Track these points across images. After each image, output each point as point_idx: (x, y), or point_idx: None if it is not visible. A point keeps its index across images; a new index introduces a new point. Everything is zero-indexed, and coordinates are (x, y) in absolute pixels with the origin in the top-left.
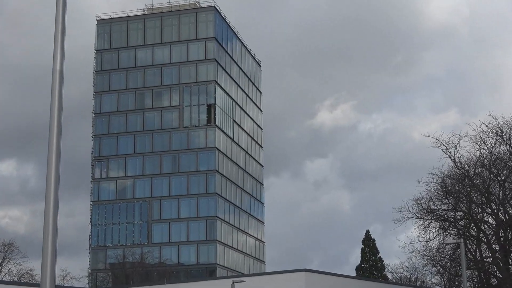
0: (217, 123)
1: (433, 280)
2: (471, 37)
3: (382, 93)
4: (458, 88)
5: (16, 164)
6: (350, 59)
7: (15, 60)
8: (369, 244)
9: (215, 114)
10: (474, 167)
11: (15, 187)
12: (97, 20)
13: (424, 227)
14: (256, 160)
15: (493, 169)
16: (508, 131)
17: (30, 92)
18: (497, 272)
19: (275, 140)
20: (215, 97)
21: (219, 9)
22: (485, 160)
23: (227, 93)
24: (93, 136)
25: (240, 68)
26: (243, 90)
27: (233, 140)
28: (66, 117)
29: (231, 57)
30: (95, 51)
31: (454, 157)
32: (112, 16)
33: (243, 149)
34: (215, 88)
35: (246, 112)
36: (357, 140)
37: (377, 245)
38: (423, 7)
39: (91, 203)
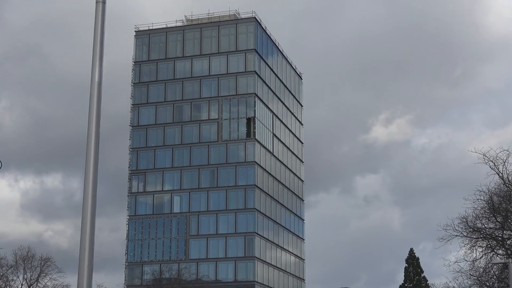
0: (256, 136)
1: None
2: None
3: (438, 107)
4: None
5: (62, 178)
6: (406, 71)
7: (62, 72)
8: (413, 263)
9: (254, 128)
10: None
11: (60, 200)
12: (135, 31)
13: (471, 246)
14: (296, 175)
15: None
16: None
17: (77, 104)
18: None
19: (320, 155)
20: (254, 110)
21: (259, 20)
22: None
23: (267, 106)
24: (131, 149)
25: (281, 81)
26: (283, 103)
27: (273, 155)
28: (104, 130)
29: (272, 69)
30: (133, 63)
31: (502, 173)
32: (150, 27)
33: (283, 164)
34: (255, 101)
35: (286, 126)
36: (410, 155)
37: (424, 264)
38: (482, 18)
39: (128, 217)
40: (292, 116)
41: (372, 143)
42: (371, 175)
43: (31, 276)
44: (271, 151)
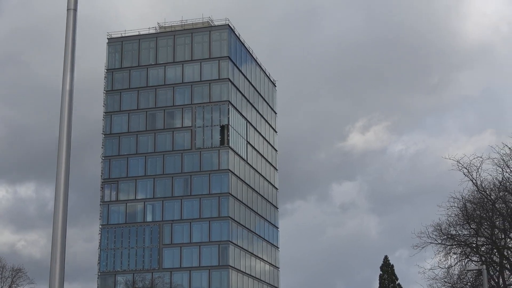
0: (230, 144)
1: None
2: (510, 54)
3: (415, 114)
4: (494, 109)
5: (35, 187)
6: (383, 79)
7: (36, 80)
8: (387, 270)
9: (228, 135)
10: (497, 191)
11: (34, 210)
12: (108, 38)
13: (445, 253)
14: (270, 183)
15: None
16: None
17: (51, 113)
18: None
19: (296, 163)
20: (228, 117)
21: (233, 28)
22: (508, 183)
23: (241, 114)
24: (103, 158)
25: (255, 88)
26: (257, 111)
27: (247, 162)
28: (76, 138)
29: (245, 77)
30: (105, 71)
31: (475, 180)
32: (123, 35)
33: (257, 172)
34: (228, 109)
35: (260, 133)
36: (387, 162)
37: (400, 272)
38: (460, 26)
39: (100, 226)
40: (266, 124)
41: (349, 150)
42: (348, 183)
43: (1, 287)
44: (245, 159)
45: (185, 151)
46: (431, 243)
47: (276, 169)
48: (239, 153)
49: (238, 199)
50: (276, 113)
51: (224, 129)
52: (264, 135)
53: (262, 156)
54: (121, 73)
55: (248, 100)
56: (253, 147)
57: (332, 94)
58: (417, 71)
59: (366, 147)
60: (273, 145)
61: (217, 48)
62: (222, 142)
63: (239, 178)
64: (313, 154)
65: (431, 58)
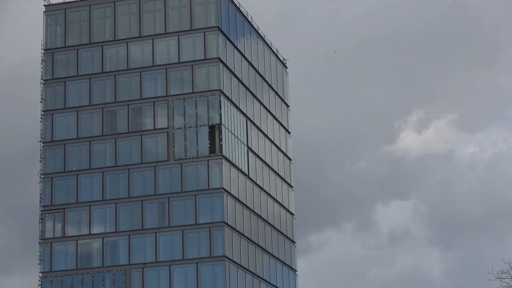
0: (224, 152)
1: None
2: None
3: (493, 102)
4: None
5: None
6: (447, 53)
7: None
8: None
9: (221, 140)
10: None
11: None
12: (45, 5)
13: None
14: (283, 206)
15: None
16: None
17: None
18: None
19: (321, 176)
20: (220, 114)
21: None
22: None
23: (238, 108)
24: (42, 176)
25: (257, 72)
26: (261, 104)
27: (249, 177)
28: (5, 152)
29: (243, 56)
30: (43, 52)
31: None
32: (67, 0)
33: (264, 191)
34: (220, 101)
35: (266, 136)
36: (454, 172)
37: None
38: None
39: (41, 275)
40: (275, 122)
41: (399, 156)
42: (399, 203)
43: None
44: (246, 172)
45: (160, 164)
46: None
47: (291, 186)
48: (236, 164)
49: (237, 231)
50: (288, 107)
51: (214, 130)
52: (272, 138)
53: (270, 168)
54: (65, 54)
55: (248, 89)
56: (257, 156)
57: (371, 76)
58: (496, 46)
59: (423, 150)
60: (285, 152)
61: (201, 15)
62: (212, 149)
63: (238, 200)
64: (346, 163)
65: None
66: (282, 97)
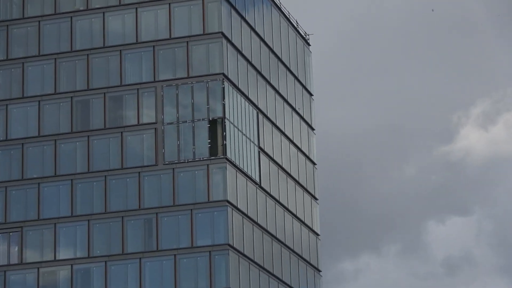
0: (228, 154)
1: None
2: None
3: None
4: None
5: None
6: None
7: None
8: None
9: (224, 138)
10: None
11: None
12: None
13: None
14: (305, 224)
15: None
16: None
17: None
18: None
19: (353, 187)
20: (224, 104)
21: None
22: None
23: (247, 98)
24: None
25: (271, 51)
26: (277, 91)
27: (260, 187)
28: None
29: (253, 30)
30: None
31: None
32: None
33: (280, 204)
34: (223, 89)
35: (283, 133)
36: None
37: None
38: None
39: None
40: (294, 115)
41: (458, 160)
42: (457, 220)
43: None
44: (257, 180)
45: (146, 170)
46: None
47: (316, 199)
48: (244, 170)
49: (244, 256)
50: (311, 95)
51: (216, 126)
52: (291, 136)
53: (288, 174)
54: (23, 27)
55: (259, 72)
56: (271, 159)
57: (421, 58)
58: None
59: (490, 152)
60: (307, 154)
61: None
62: (213, 150)
63: (246, 216)
64: (389, 169)
65: None
66: (304, 83)
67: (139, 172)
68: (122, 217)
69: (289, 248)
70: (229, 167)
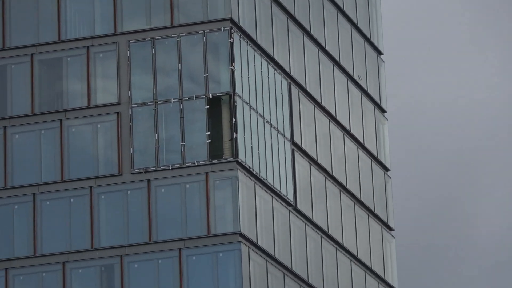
0: (241, 155)
1: None
2: None
3: None
4: None
5: None
6: None
7: None
8: None
9: (235, 128)
10: None
11: None
12: None
13: None
14: (374, 272)
15: None
16: None
17: None
18: None
19: (450, 206)
20: (232, 71)
21: None
22: None
23: (272, 59)
24: None
25: None
26: (323, 49)
27: (296, 209)
28: None
29: None
30: None
31: None
32: None
33: (332, 240)
34: (231, 43)
35: (334, 118)
36: None
37: None
38: None
39: None
40: (354, 89)
41: None
42: None
43: None
44: (290, 198)
45: (102, 183)
46: None
47: (391, 229)
48: (269, 181)
49: None
50: (381, 54)
51: (220, 108)
52: (346, 126)
53: (343, 187)
54: None
55: (292, 17)
56: (314, 162)
57: None
58: None
59: None
60: (376, 154)
61: None
62: (215, 148)
63: (273, 258)
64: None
65: None
66: (369, 37)
67: (90, 187)
68: (63, 262)
69: None
70: (242, 176)
